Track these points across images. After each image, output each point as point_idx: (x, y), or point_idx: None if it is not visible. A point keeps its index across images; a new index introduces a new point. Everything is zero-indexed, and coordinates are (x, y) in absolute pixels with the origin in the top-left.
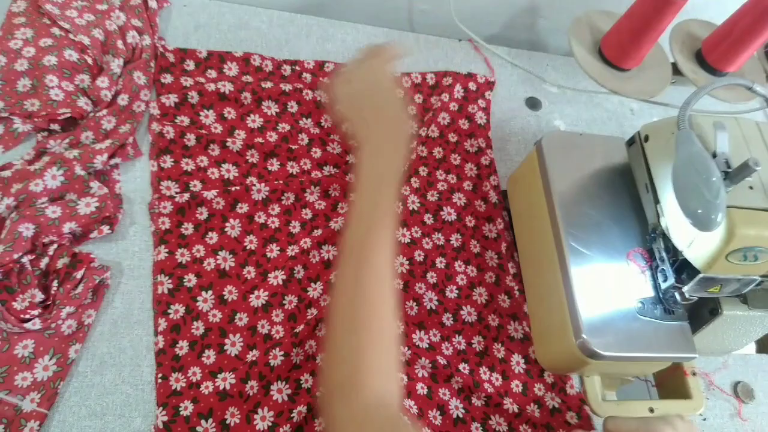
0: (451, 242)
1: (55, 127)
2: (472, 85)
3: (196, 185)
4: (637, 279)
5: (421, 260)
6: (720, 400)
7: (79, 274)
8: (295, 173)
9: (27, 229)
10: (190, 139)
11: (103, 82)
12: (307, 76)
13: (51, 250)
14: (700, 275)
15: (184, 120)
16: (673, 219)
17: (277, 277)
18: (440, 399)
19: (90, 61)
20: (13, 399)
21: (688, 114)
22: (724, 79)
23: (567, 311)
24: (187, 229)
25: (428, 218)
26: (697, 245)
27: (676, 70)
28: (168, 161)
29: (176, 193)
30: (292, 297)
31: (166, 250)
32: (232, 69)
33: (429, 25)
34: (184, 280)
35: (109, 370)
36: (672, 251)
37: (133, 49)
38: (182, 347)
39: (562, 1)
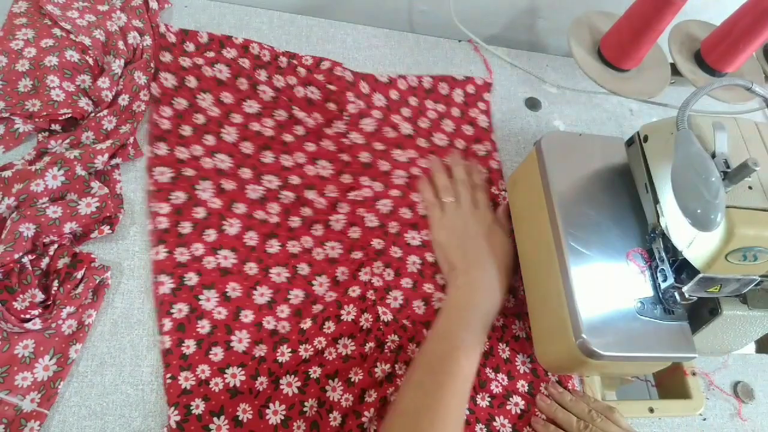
0: None
1: (56, 127)
2: (470, 88)
3: (188, 171)
4: (636, 279)
5: (433, 261)
6: (720, 400)
7: (79, 274)
8: (288, 166)
9: (28, 229)
10: (186, 129)
11: (104, 82)
12: (302, 71)
13: (51, 250)
14: (700, 275)
15: (181, 102)
16: (672, 219)
17: (280, 275)
18: None
19: (91, 61)
20: (13, 399)
21: (687, 114)
22: (723, 80)
23: (567, 311)
24: (185, 227)
25: None
26: (696, 245)
27: (675, 71)
28: (163, 148)
29: (170, 178)
30: (298, 291)
31: (165, 249)
32: (230, 53)
33: (429, 26)
34: (185, 279)
35: (109, 370)
36: (671, 251)
37: (134, 50)
38: (189, 346)
39: (562, 1)
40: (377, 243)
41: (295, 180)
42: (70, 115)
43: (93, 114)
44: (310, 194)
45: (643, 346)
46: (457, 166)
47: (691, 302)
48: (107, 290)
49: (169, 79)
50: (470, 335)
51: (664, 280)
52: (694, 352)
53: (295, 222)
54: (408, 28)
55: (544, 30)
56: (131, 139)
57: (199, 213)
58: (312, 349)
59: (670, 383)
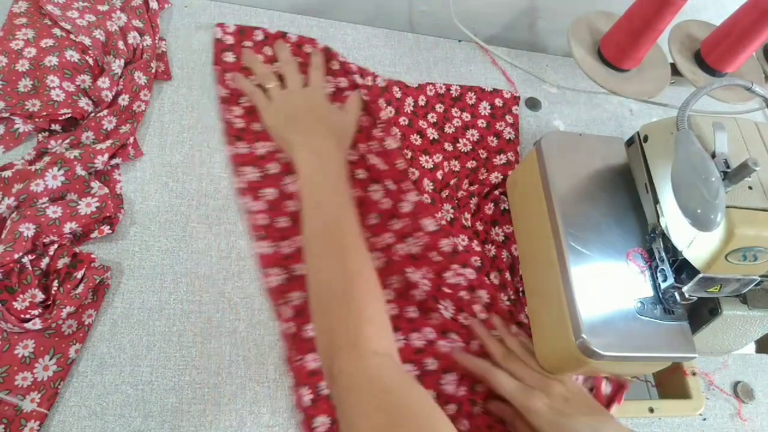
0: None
1: (56, 127)
2: (498, 101)
3: (272, 168)
4: (636, 279)
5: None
6: (720, 400)
7: (79, 274)
8: (353, 160)
9: (28, 229)
10: (257, 126)
11: (104, 82)
12: (356, 78)
13: (51, 250)
14: (700, 275)
15: (249, 99)
16: (672, 219)
17: (378, 259)
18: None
19: (91, 61)
20: (13, 399)
21: (687, 114)
22: (723, 80)
23: (567, 311)
24: (281, 221)
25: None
26: (696, 245)
27: (675, 71)
28: (242, 147)
29: (258, 177)
30: (399, 277)
31: (270, 244)
32: (288, 40)
33: (429, 26)
34: (295, 270)
35: (109, 370)
36: (671, 251)
37: (134, 50)
38: (309, 330)
39: (562, 2)
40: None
41: (360, 174)
42: (70, 115)
43: (93, 114)
44: (375, 188)
45: (643, 346)
46: (280, 49)
47: (691, 302)
48: (107, 290)
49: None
50: (337, 197)
51: (664, 280)
52: (694, 352)
53: (372, 219)
54: (408, 28)
55: (544, 30)
56: (131, 139)
57: (290, 206)
58: (425, 339)
59: (670, 383)
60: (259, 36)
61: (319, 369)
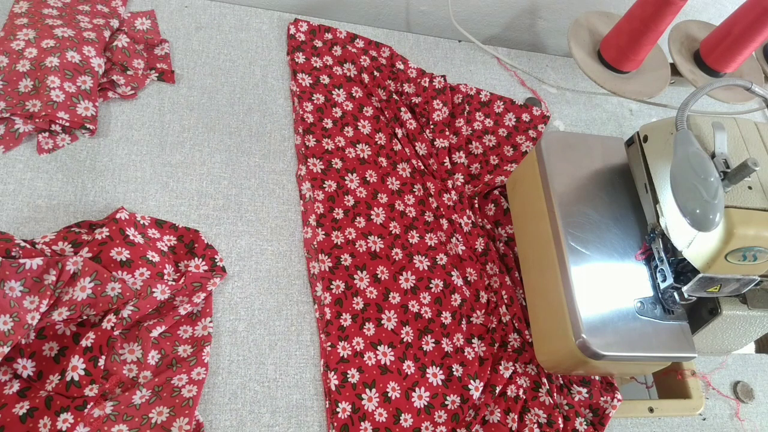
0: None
1: (56, 127)
2: (525, 117)
3: (337, 163)
4: (636, 279)
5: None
6: (719, 400)
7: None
8: (421, 153)
9: (59, 314)
10: (328, 123)
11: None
12: (411, 86)
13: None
14: (700, 275)
15: (320, 98)
16: (672, 219)
17: (422, 262)
18: None
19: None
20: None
21: (686, 114)
22: (722, 80)
23: (566, 311)
24: (339, 214)
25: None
26: (696, 245)
27: (675, 71)
28: (311, 140)
29: (321, 169)
30: (438, 281)
31: (324, 232)
32: (355, 46)
33: (428, 27)
34: (341, 260)
35: None
36: (671, 251)
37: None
38: (346, 319)
39: (561, 2)
40: (480, 244)
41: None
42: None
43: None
44: (431, 187)
45: (643, 346)
46: None
47: (690, 302)
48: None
49: (305, 79)
50: None
51: (664, 280)
52: (694, 352)
53: (430, 217)
54: (406, 28)
55: (544, 30)
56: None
57: (350, 201)
58: (452, 345)
59: (670, 383)
60: (329, 37)
61: (348, 358)
